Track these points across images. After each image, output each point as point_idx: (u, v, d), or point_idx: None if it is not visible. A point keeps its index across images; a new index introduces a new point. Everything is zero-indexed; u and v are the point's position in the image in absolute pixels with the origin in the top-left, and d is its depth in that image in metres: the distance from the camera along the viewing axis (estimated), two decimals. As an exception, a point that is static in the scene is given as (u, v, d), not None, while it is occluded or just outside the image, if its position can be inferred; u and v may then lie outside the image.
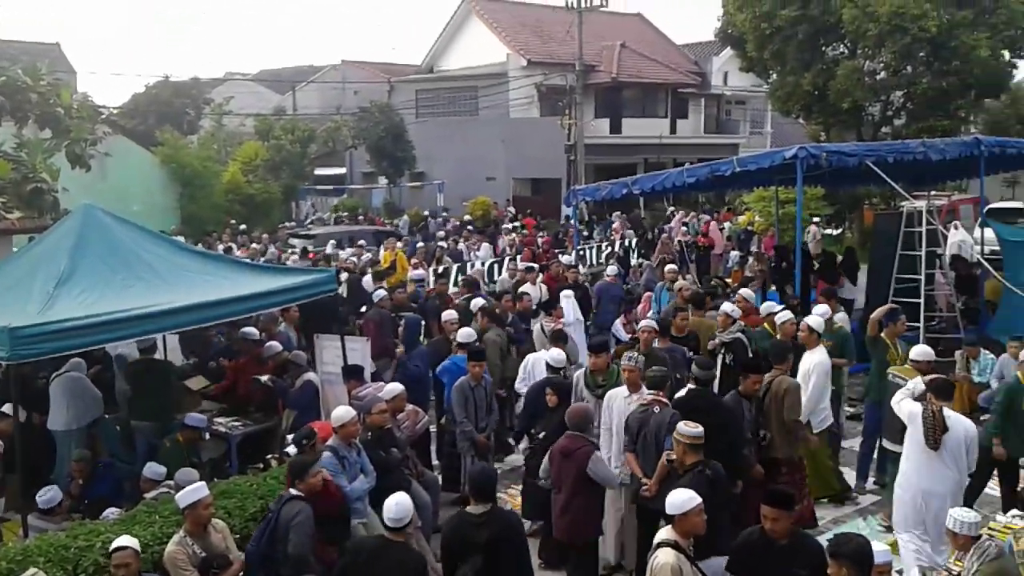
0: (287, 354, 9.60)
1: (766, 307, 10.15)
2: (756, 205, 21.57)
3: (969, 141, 14.02)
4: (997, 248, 13.93)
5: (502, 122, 33.49)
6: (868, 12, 21.40)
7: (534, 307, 11.88)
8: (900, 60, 22.31)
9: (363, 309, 12.38)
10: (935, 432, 6.42)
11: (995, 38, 21.58)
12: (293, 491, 5.86)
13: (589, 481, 6.34)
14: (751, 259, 17.53)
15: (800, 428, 7.60)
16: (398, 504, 5.33)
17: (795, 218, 13.49)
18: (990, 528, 6.61)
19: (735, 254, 19.52)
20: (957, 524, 5.29)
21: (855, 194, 22.72)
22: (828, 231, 22.46)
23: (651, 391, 6.88)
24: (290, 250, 18.40)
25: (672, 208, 26.11)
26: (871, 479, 8.70)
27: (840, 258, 15.61)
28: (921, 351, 7.87)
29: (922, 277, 11.70)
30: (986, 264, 12.28)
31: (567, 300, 11.76)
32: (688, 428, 5.88)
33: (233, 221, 25.17)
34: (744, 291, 10.97)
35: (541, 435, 7.28)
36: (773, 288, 14.31)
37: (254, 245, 20.19)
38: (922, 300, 11.50)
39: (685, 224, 22.32)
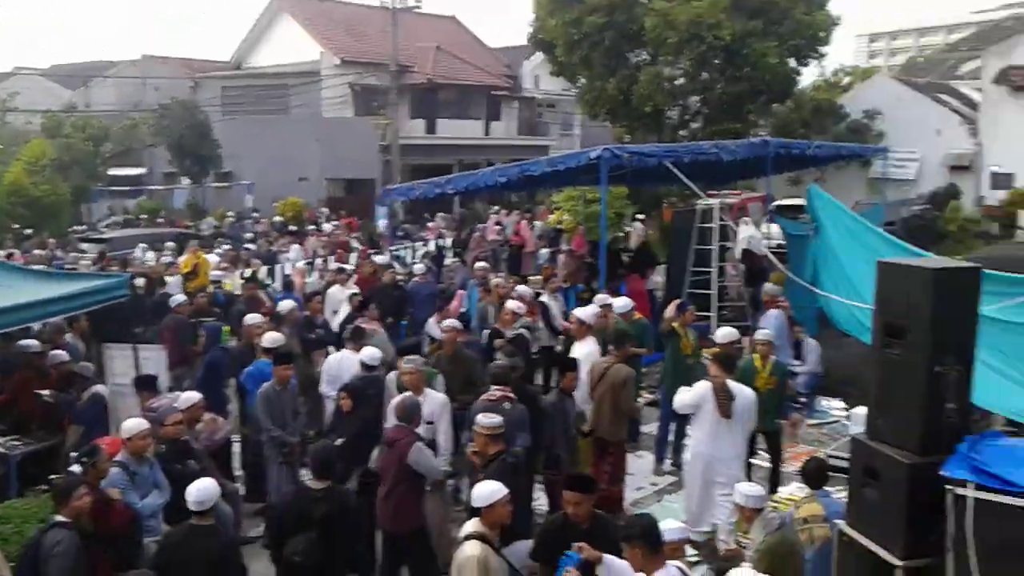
0: (72, 365, 8.92)
1: (599, 299, 10.41)
2: (565, 204, 22.16)
3: (758, 143, 15.01)
4: (783, 242, 15.01)
5: (315, 121, 32.70)
6: (668, 21, 22.48)
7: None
8: (697, 67, 23.60)
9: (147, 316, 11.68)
10: (725, 402, 6.88)
11: (782, 46, 23.20)
12: (58, 517, 5.40)
13: (411, 471, 6.31)
14: (562, 256, 17.99)
15: (636, 412, 8.13)
16: (199, 489, 5.30)
17: (602, 216, 14.01)
18: (774, 500, 7.11)
19: (545, 252, 19.97)
20: (743, 498, 5.62)
21: (656, 193, 23.83)
22: (629, 229, 23.39)
23: (497, 387, 6.93)
24: (81, 255, 17.12)
25: (497, 208, 26.48)
26: (668, 461, 9.14)
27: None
28: (725, 333, 8.49)
29: (714, 270, 12.41)
30: (772, 257, 13.17)
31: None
32: (487, 419, 5.94)
33: (16, 226, 23.16)
34: (520, 288, 11.23)
35: (338, 442, 7.09)
36: (581, 284, 14.77)
37: (36, 251, 18.61)
38: (714, 291, 12.19)
39: (499, 224, 22.61)
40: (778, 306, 10.67)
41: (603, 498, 7.43)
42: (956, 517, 4.46)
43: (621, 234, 21.36)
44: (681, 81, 24.51)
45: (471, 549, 4.96)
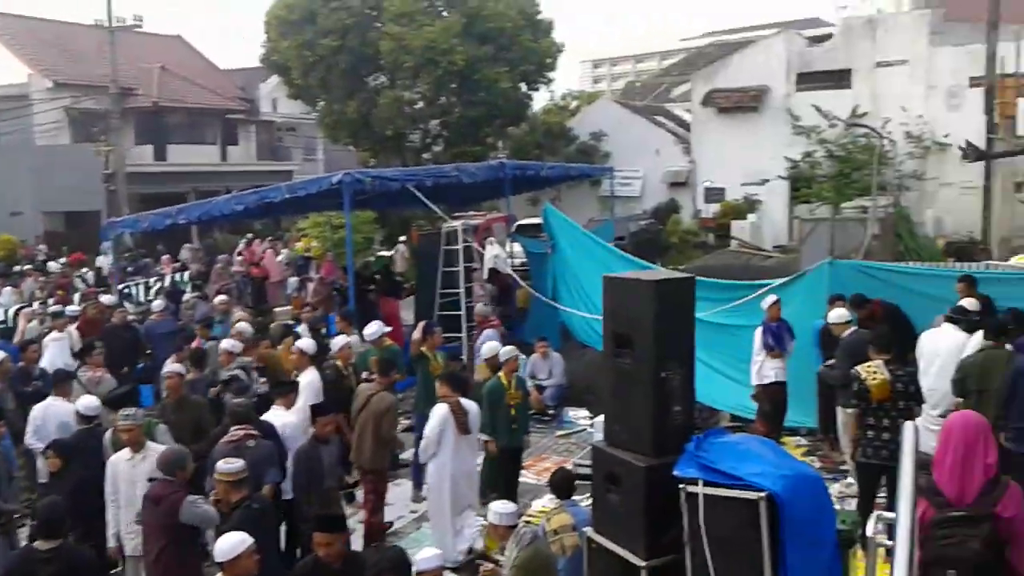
0: None
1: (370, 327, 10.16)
2: (312, 231, 21.73)
3: (495, 165, 15.54)
4: (526, 260, 15.61)
5: (26, 149, 29.74)
6: (403, 45, 22.76)
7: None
8: (434, 91, 24.08)
9: None
10: (463, 418, 7.12)
11: (513, 72, 24.26)
12: None
13: (183, 527, 5.79)
14: (312, 284, 17.58)
15: (395, 444, 8.13)
16: None
17: (354, 241, 13.88)
18: (527, 515, 7.26)
19: (294, 281, 19.43)
20: (496, 516, 5.69)
21: (404, 217, 23.97)
22: (383, 253, 23.37)
23: (239, 426, 6.60)
24: None
25: (251, 236, 25.37)
26: (426, 486, 9.12)
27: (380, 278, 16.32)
28: (490, 347, 8.73)
29: (462, 291, 12.63)
30: (515, 275, 13.62)
31: (55, 343, 10.95)
32: (227, 465, 5.62)
33: None
34: (240, 324, 10.88)
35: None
36: (333, 313, 14.50)
37: None
38: (463, 312, 12.38)
39: (240, 255, 21.67)
40: (491, 325, 11.05)
41: (367, 528, 7.33)
42: (690, 514, 4.76)
43: (372, 258, 21.24)
44: (420, 105, 24.90)
45: (217, 607, 4.64)
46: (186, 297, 16.59)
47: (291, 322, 12.76)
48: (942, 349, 7.74)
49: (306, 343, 9.11)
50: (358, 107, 24.09)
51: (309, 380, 8.40)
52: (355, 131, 25.22)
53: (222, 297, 13.43)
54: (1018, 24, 20.10)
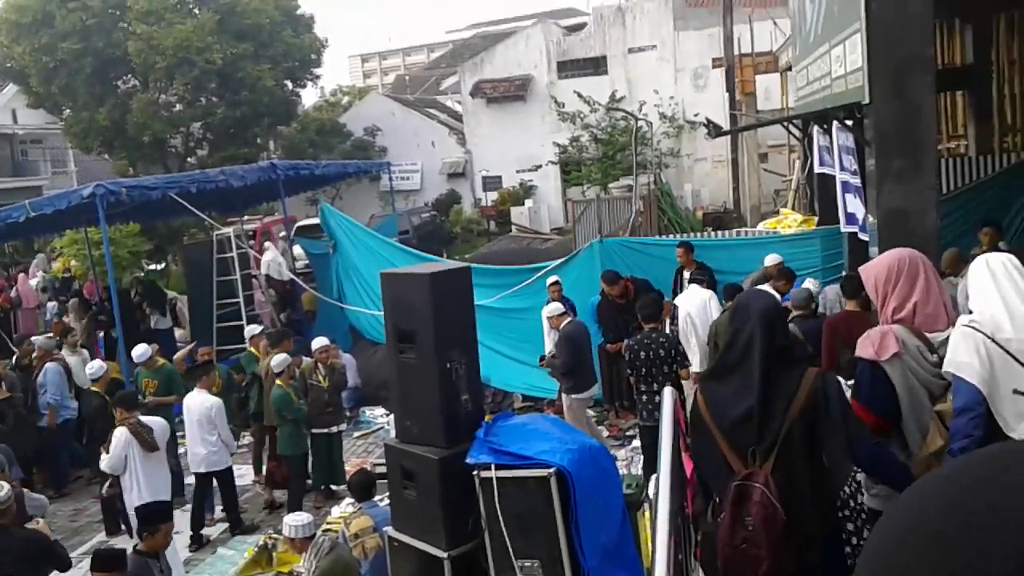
0: None
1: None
2: (69, 249, 19.99)
3: (265, 166, 14.97)
4: (308, 262, 15.22)
5: None
6: (153, 45, 21.45)
7: None
8: (193, 92, 22.90)
9: None
10: (147, 436, 6.95)
11: (276, 69, 23.51)
12: None
13: None
14: (71, 308, 16.23)
15: None
16: None
17: (119, 257, 12.91)
18: (328, 523, 7.09)
19: (52, 305, 17.87)
20: (292, 530, 5.50)
21: (173, 227, 22.62)
22: (152, 266, 21.96)
23: None
24: None
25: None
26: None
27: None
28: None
29: (241, 299, 12.10)
30: (296, 279, 13.24)
31: None
32: None
33: None
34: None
35: None
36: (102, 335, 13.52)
37: None
38: (244, 321, 11.88)
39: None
40: (53, 358, 10.36)
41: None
42: (485, 498, 4.81)
43: (141, 273, 19.89)
44: (179, 107, 23.61)
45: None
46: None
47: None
48: (692, 308, 8.29)
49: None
50: (109, 113, 22.46)
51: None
52: (108, 139, 23.52)
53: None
54: (750, 8, 21.91)
